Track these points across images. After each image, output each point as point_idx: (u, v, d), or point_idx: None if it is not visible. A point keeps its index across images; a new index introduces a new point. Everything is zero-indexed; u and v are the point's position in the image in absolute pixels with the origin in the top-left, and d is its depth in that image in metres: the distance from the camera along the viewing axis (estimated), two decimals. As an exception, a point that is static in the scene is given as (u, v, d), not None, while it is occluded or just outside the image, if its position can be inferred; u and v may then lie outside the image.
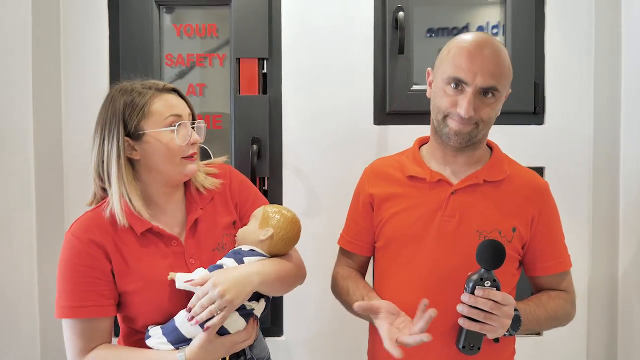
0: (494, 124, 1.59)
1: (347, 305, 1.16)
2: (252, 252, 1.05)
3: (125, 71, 1.59)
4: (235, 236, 1.11)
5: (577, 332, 1.61)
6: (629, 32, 1.58)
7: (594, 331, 1.64)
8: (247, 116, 1.58)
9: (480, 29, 1.68)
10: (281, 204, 1.55)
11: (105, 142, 1.00)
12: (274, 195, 1.61)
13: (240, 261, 1.02)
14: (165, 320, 1.01)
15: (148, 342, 1.00)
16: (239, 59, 1.59)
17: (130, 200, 1.00)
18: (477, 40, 1.04)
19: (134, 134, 1.01)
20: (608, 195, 1.62)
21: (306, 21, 1.59)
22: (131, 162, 1.03)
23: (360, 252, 1.22)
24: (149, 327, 1.02)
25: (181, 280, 0.98)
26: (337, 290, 1.21)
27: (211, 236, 1.08)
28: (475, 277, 0.95)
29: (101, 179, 1.03)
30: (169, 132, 1.01)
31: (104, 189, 1.05)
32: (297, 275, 1.12)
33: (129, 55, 1.60)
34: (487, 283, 0.95)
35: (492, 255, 0.93)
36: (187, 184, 1.12)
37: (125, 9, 1.60)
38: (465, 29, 1.67)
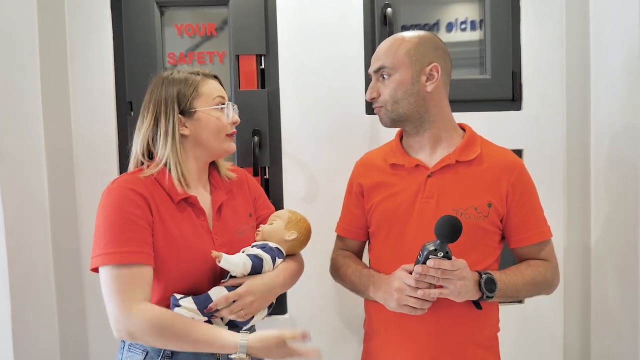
0: (478, 110, 1.71)
1: (348, 280, 1.24)
2: (279, 252, 1.15)
3: (130, 70, 1.62)
4: (253, 227, 1.21)
5: (554, 297, 1.61)
6: (597, 25, 1.64)
7: (570, 297, 1.72)
8: (248, 109, 1.61)
9: (449, 25, 1.72)
10: (281, 191, 1.65)
11: (161, 119, 1.08)
12: (274, 183, 1.66)
13: (274, 259, 1.12)
14: (188, 287, 1.05)
15: (178, 310, 1.01)
16: (238, 55, 1.63)
17: (182, 171, 1.08)
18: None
19: (187, 112, 1.09)
20: (580, 173, 1.70)
21: (300, 19, 1.63)
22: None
23: (355, 238, 1.29)
24: (177, 296, 1.03)
25: (227, 261, 1.04)
26: (338, 268, 1.27)
27: (234, 222, 1.17)
28: (430, 247, 0.99)
29: (148, 155, 1.11)
30: (217, 110, 1.12)
31: (142, 163, 1.11)
32: (301, 273, 1.23)
33: (133, 54, 1.62)
34: (440, 254, 0.98)
35: (450, 230, 0.96)
36: (210, 170, 1.20)
37: (127, 10, 1.62)
38: (436, 25, 1.71)
